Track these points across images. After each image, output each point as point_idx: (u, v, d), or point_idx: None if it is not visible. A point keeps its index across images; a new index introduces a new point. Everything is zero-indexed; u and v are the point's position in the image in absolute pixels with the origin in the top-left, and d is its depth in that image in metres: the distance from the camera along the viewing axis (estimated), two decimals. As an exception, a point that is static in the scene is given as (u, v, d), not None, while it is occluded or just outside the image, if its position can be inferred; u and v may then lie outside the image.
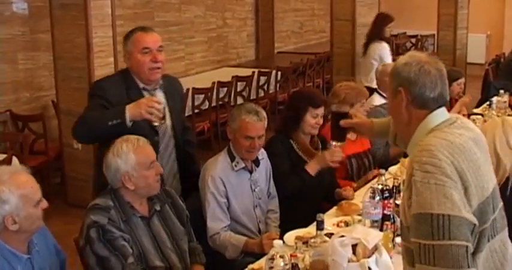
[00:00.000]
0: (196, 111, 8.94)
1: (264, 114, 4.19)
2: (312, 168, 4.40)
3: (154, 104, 3.74)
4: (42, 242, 3.24)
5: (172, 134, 4.21)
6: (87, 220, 3.41)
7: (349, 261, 3.34)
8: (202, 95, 8.96)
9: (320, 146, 4.72)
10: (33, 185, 3.04)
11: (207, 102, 9.06)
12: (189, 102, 8.72)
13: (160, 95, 4.12)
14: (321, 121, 4.60)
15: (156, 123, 3.86)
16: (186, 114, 8.64)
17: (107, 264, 3.37)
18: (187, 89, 8.62)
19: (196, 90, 8.84)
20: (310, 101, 4.56)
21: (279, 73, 10.69)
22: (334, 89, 5.24)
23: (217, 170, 4.17)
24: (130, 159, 3.47)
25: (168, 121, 4.16)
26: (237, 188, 4.20)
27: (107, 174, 3.54)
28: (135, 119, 3.76)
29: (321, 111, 4.58)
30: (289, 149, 4.61)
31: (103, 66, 6.80)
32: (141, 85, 4.08)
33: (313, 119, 4.55)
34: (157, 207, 3.67)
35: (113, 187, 3.55)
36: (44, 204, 3.08)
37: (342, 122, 3.40)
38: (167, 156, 4.19)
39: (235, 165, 4.20)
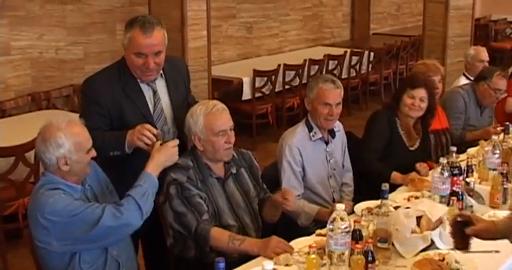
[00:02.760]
0: (287, 87, 9.11)
1: (340, 83, 4.33)
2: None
3: (145, 132, 3.55)
4: (96, 183, 3.50)
5: (174, 126, 4.00)
6: (167, 178, 3.63)
7: (412, 232, 3.46)
8: (293, 72, 9.10)
9: (422, 135, 4.85)
10: (86, 135, 3.30)
11: (297, 79, 9.20)
12: (279, 78, 8.91)
13: (161, 86, 3.93)
14: (420, 104, 4.66)
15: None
16: (277, 90, 8.88)
17: (183, 219, 3.59)
18: (279, 65, 8.83)
19: (288, 67, 8.99)
20: (409, 81, 4.71)
21: (372, 54, 10.69)
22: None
23: (295, 139, 4.33)
24: (199, 122, 3.66)
25: (169, 113, 3.97)
26: (312, 158, 4.35)
27: (185, 132, 3.77)
28: (133, 147, 3.67)
29: (418, 93, 4.66)
30: (393, 125, 4.75)
31: (196, 39, 7.03)
32: (139, 80, 3.85)
33: (410, 100, 4.66)
34: (233, 170, 3.85)
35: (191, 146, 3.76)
36: (93, 153, 3.33)
37: (468, 231, 3.11)
38: None
39: (313, 136, 4.35)
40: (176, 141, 3.50)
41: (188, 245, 3.70)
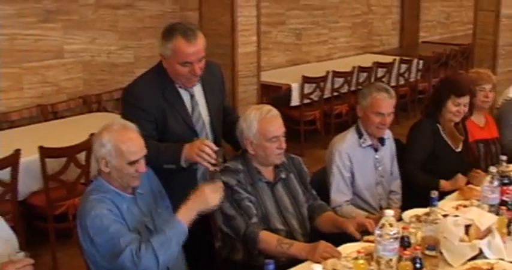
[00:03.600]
0: (335, 94, 9.12)
1: (393, 93, 4.33)
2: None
3: (205, 149, 3.54)
4: (148, 188, 3.50)
5: (211, 130, 4.00)
6: None
7: (460, 241, 3.44)
8: (342, 79, 9.11)
9: (464, 134, 4.83)
10: (135, 146, 3.26)
11: (346, 86, 9.21)
12: (328, 85, 8.92)
13: (198, 90, 3.93)
14: (464, 109, 4.68)
15: (210, 169, 3.59)
16: (326, 97, 8.89)
17: (232, 222, 3.64)
18: (327, 72, 8.83)
19: (336, 74, 8.99)
20: (454, 89, 4.66)
21: (421, 62, 10.65)
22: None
23: (345, 145, 4.34)
24: (253, 127, 3.69)
25: (206, 117, 3.95)
26: (361, 164, 4.36)
27: (237, 135, 3.80)
28: (189, 162, 3.68)
29: (464, 100, 4.65)
30: (436, 133, 4.73)
31: (246, 45, 7.09)
32: (178, 85, 3.85)
33: (455, 107, 4.65)
34: (283, 175, 3.87)
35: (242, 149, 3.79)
36: (142, 167, 3.29)
37: None
38: None
39: (363, 142, 4.36)
40: (216, 186, 3.36)
41: (236, 247, 3.74)
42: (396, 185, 4.62)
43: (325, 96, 8.98)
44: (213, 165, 3.54)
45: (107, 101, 7.91)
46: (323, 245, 3.44)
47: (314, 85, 8.79)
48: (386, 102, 4.26)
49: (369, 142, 4.38)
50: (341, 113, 9.22)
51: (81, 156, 5.55)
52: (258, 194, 3.74)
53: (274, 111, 3.78)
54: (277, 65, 10.12)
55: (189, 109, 3.88)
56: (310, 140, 8.68)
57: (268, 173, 3.83)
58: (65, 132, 6.32)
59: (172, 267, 3.45)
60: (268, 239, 3.56)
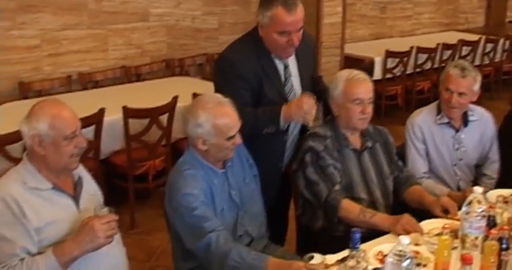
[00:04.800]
0: (418, 70, 8.98)
1: (474, 73, 4.10)
2: None
3: (304, 106, 3.51)
4: (236, 157, 3.46)
5: None
6: (304, 145, 3.66)
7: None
8: (426, 55, 8.95)
9: None
10: (231, 120, 3.21)
11: (429, 63, 9.06)
12: (411, 61, 8.79)
13: (292, 60, 3.86)
14: None
15: (309, 126, 3.63)
16: (408, 72, 8.80)
17: (315, 188, 3.61)
18: (411, 47, 8.70)
19: (420, 49, 8.85)
20: None
21: (507, 42, 10.37)
22: None
23: (418, 118, 4.26)
24: (339, 86, 3.67)
25: (298, 88, 3.89)
26: (437, 140, 4.23)
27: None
28: (288, 122, 3.69)
29: None
30: None
31: (331, 15, 7.03)
32: (273, 55, 3.77)
33: None
34: (369, 144, 3.83)
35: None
36: (238, 140, 3.26)
37: None
38: (294, 124, 3.96)
39: (439, 119, 4.22)
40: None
41: (317, 215, 3.73)
42: (492, 169, 4.41)
43: (407, 72, 8.86)
44: (313, 121, 3.55)
45: (189, 65, 7.97)
46: (406, 218, 3.40)
47: (397, 60, 8.67)
48: (456, 80, 4.07)
49: (445, 120, 4.24)
50: (423, 89, 9.07)
51: (163, 119, 5.60)
52: (344, 161, 3.70)
53: (363, 75, 3.73)
54: (360, 38, 10.01)
55: (282, 79, 3.84)
56: (390, 115, 8.56)
57: (355, 140, 3.79)
58: (148, 94, 6.40)
59: (256, 237, 3.46)
60: (350, 207, 3.53)
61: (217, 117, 3.16)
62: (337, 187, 3.59)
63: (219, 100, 3.24)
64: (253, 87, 3.72)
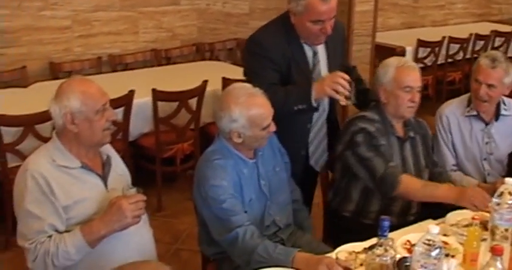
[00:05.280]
0: (449, 60, 8.90)
1: (505, 65, 3.97)
2: None
3: (339, 80, 3.45)
4: (267, 146, 3.42)
5: None
6: (352, 127, 3.61)
7: None
8: (458, 45, 8.87)
9: None
10: (265, 110, 3.17)
11: (461, 53, 8.97)
12: (443, 51, 8.74)
13: (321, 47, 3.83)
14: None
15: (342, 103, 3.55)
16: (439, 63, 8.73)
17: (368, 163, 3.54)
18: (443, 37, 8.62)
19: (452, 40, 8.77)
20: None
21: (542, 35, 10.24)
22: None
23: (446, 109, 4.19)
24: (389, 73, 3.62)
25: (326, 75, 3.80)
26: (465, 133, 4.14)
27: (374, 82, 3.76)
28: (320, 98, 3.60)
29: None
30: None
31: (363, 3, 6.98)
32: (302, 41, 3.76)
33: None
34: (411, 134, 3.78)
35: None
36: (272, 128, 3.22)
37: None
38: (318, 115, 3.95)
39: (468, 111, 4.13)
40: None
41: (350, 198, 3.71)
42: None
43: (439, 62, 8.79)
44: (346, 98, 3.47)
45: (219, 50, 7.95)
46: (473, 190, 3.36)
47: (429, 49, 8.60)
48: (486, 71, 3.96)
49: (474, 112, 4.13)
50: (454, 80, 8.99)
51: (193, 102, 5.60)
52: (389, 147, 3.66)
53: (414, 64, 3.71)
54: (391, 27, 9.91)
55: (311, 65, 3.81)
56: (420, 106, 8.44)
57: (399, 129, 3.75)
58: (177, 78, 6.38)
59: (283, 226, 3.44)
60: (412, 181, 3.48)
61: (250, 110, 3.13)
62: (392, 163, 3.53)
63: (249, 92, 3.20)
64: (281, 70, 3.70)
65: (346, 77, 3.49)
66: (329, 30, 3.63)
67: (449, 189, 3.44)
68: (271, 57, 3.67)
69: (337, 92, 3.47)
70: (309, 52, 3.80)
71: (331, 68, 3.86)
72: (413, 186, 3.46)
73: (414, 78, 3.62)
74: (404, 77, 3.60)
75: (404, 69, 3.62)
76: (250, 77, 3.68)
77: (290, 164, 3.59)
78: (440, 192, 3.42)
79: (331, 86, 3.47)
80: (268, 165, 3.41)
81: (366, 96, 3.88)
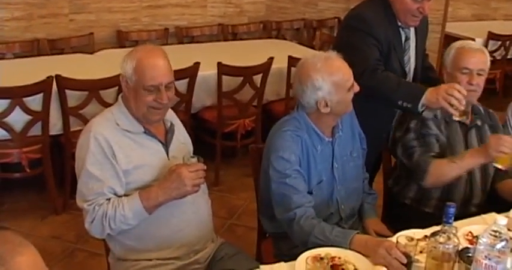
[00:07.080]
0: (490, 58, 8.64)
1: None
2: None
3: (455, 93, 3.23)
4: (348, 128, 3.32)
5: (413, 75, 3.94)
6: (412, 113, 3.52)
7: None
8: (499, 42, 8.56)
9: None
10: (345, 72, 3.04)
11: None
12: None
13: (412, 32, 3.86)
14: None
15: (455, 118, 3.39)
16: (509, 57, 8.55)
17: (409, 151, 3.46)
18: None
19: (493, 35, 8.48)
20: None
21: None
22: None
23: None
24: (451, 53, 3.51)
25: (413, 62, 3.89)
26: None
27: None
28: (429, 106, 3.41)
29: None
30: None
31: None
32: (399, 23, 3.76)
33: None
34: (478, 123, 3.65)
35: None
36: (356, 87, 3.10)
37: None
38: None
39: None
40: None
41: (410, 186, 3.62)
42: None
43: (508, 57, 8.57)
44: (460, 114, 3.31)
45: (286, 29, 7.90)
46: (493, 137, 3.23)
47: (499, 43, 8.39)
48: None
49: None
50: (493, 78, 8.63)
51: (257, 79, 5.55)
52: (450, 133, 3.53)
53: (479, 46, 3.56)
54: (461, 18, 9.70)
55: (403, 50, 3.80)
56: (485, 99, 8.28)
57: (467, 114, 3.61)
58: (243, 54, 6.35)
59: (345, 202, 3.33)
60: (438, 162, 3.34)
61: (332, 74, 3.01)
62: (432, 153, 3.42)
63: (324, 56, 3.08)
64: (382, 48, 3.68)
65: (463, 91, 3.27)
66: (426, 11, 3.64)
67: (474, 152, 3.31)
68: (374, 35, 3.64)
69: (451, 104, 3.28)
70: (402, 36, 3.79)
71: (417, 55, 3.91)
72: (440, 165, 3.33)
73: (474, 61, 3.45)
74: (462, 59, 3.45)
75: (466, 50, 3.48)
76: (350, 53, 3.40)
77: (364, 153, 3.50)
78: (466, 159, 3.28)
79: (446, 98, 3.27)
80: (345, 148, 3.29)
81: (436, 85, 3.78)
